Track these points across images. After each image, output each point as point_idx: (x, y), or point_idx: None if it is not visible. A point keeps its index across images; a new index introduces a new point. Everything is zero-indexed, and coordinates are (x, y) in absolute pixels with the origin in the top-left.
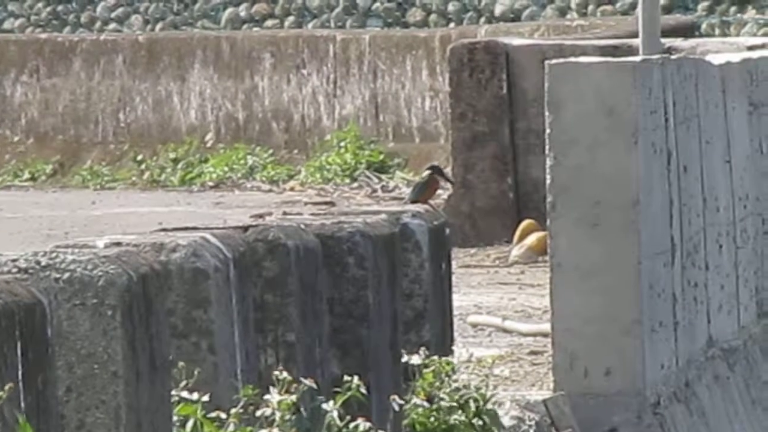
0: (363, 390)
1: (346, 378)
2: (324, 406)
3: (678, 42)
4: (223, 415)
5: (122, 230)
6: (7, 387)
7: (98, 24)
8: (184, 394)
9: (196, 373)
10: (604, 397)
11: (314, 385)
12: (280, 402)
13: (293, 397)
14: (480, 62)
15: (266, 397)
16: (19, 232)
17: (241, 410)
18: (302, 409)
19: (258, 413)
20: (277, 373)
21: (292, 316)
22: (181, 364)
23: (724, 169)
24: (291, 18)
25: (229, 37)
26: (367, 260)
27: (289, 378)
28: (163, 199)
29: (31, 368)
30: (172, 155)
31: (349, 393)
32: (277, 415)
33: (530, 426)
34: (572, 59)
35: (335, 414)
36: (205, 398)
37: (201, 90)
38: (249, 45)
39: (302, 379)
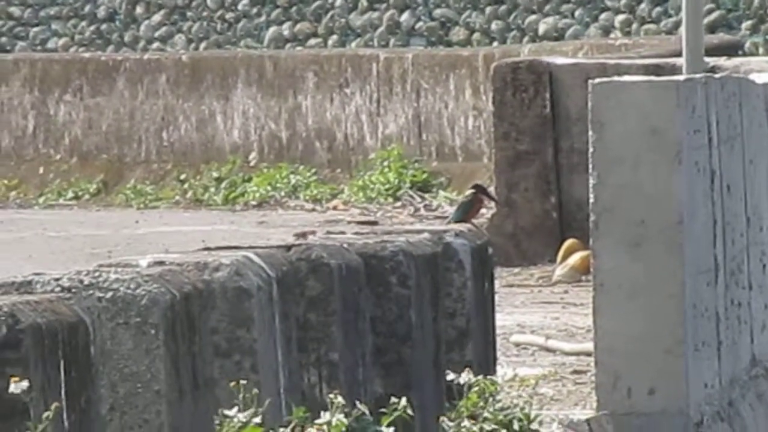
0: (409, 411)
1: (392, 398)
2: (378, 428)
3: (722, 61)
4: None
5: (165, 249)
6: (53, 407)
7: (142, 43)
8: (241, 415)
9: (266, 400)
10: (648, 417)
11: (366, 410)
12: (330, 423)
13: (346, 420)
14: (523, 81)
15: (318, 421)
16: (63, 251)
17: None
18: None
19: None
20: (331, 396)
21: (334, 335)
22: (243, 381)
23: None
24: (334, 37)
25: (272, 56)
26: (410, 279)
27: (342, 401)
28: (207, 218)
29: (75, 387)
30: (215, 174)
31: (396, 413)
32: None
33: None
34: (616, 78)
35: None
36: (258, 420)
37: (244, 109)
38: (292, 64)
39: (357, 403)
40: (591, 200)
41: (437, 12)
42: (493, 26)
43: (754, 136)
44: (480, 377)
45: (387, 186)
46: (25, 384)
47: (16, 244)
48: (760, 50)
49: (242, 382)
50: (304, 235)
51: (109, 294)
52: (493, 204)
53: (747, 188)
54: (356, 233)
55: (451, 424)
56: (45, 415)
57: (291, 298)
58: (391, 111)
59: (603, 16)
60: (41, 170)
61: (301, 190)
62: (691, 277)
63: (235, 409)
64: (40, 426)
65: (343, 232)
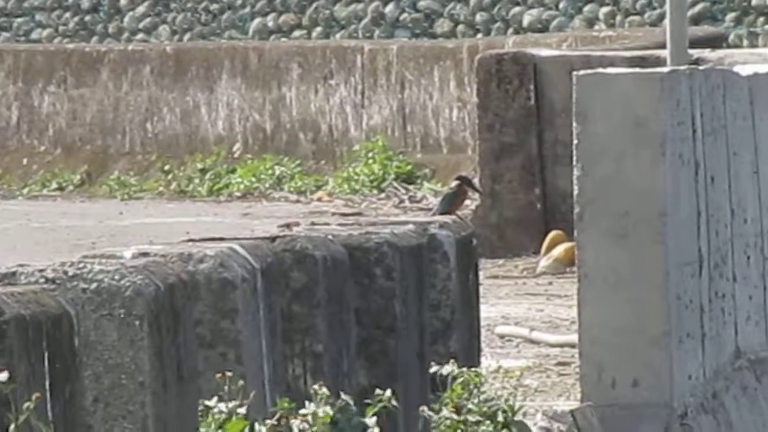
0: (393, 402)
1: (377, 390)
2: (367, 421)
3: (706, 53)
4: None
5: (149, 240)
6: (34, 397)
7: (126, 34)
8: (221, 406)
9: (250, 392)
10: (632, 408)
11: (350, 401)
12: (316, 414)
13: (331, 411)
14: (508, 73)
15: (302, 411)
16: (47, 242)
17: (275, 422)
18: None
19: (294, 427)
20: (316, 387)
21: (319, 326)
22: (228, 373)
23: (752, 180)
24: (319, 28)
25: (256, 48)
26: (394, 271)
27: (327, 393)
28: (191, 209)
29: (59, 378)
30: (199, 165)
31: (380, 405)
32: (312, 429)
33: None
34: (600, 70)
35: (376, 430)
36: (241, 410)
37: (228, 100)
38: (276, 55)
39: (342, 395)
40: (575, 192)
41: (422, 4)
42: (478, 18)
43: (738, 128)
44: (464, 369)
45: (371, 177)
46: (2, 376)
47: (0, 236)
48: (744, 42)
49: (227, 373)
50: (288, 226)
51: (94, 285)
52: (477, 195)
53: (731, 180)
54: (341, 225)
55: (435, 415)
56: (26, 405)
57: (275, 289)
58: (375, 103)
59: (587, 7)
60: (25, 161)
61: (286, 181)
62: (676, 269)
63: (215, 399)
64: (21, 416)
65: (327, 224)
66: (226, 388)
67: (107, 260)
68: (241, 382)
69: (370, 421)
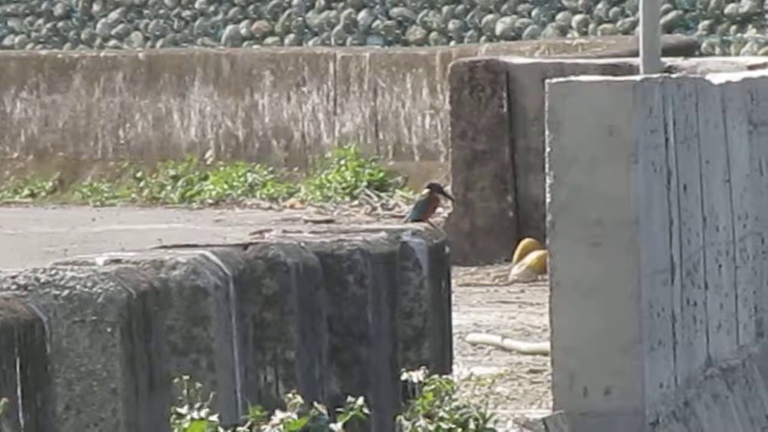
0: (365, 410)
1: (349, 397)
2: (332, 426)
3: (678, 61)
4: None
5: (122, 247)
6: (2, 402)
7: (98, 41)
8: (193, 412)
9: (208, 392)
10: (604, 416)
11: (324, 410)
12: (285, 421)
13: (301, 419)
14: (480, 81)
15: (274, 419)
16: (19, 249)
17: (247, 430)
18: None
19: None
20: (290, 395)
21: (291, 334)
22: (185, 377)
23: (724, 189)
24: (291, 36)
25: (229, 55)
26: (366, 278)
27: (300, 401)
28: (163, 216)
29: (30, 385)
30: (171, 172)
31: (351, 413)
32: None
33: None
34: (573, 78)
35: None
36: (213, 418)
37: (201, 107)
38: (249, 62)
39: (314, 404)
40: (547, 200)
41: (394, 11)
42: (450, 25)
43: (711, 136)
44: (436, 376)
45: (344, 185)
46: None
47: None
48: (717, 50)
49: (185, 377)
50: (260, 233)
51: (66, 292)
52: (449, 203)
53: (703, 188)
54: (313, 232)
55: (407, 423)
56: None
57: (248, 296)
58: (348, 110)
59: (560, 15)
60: None
61: (258, 188)
62: (648, 277)
63: (186, 407)
64: None
65: (299, 231)
66: (185, 392)
67: (79, 267)
68: (198, 384)
69: (336, 427)
